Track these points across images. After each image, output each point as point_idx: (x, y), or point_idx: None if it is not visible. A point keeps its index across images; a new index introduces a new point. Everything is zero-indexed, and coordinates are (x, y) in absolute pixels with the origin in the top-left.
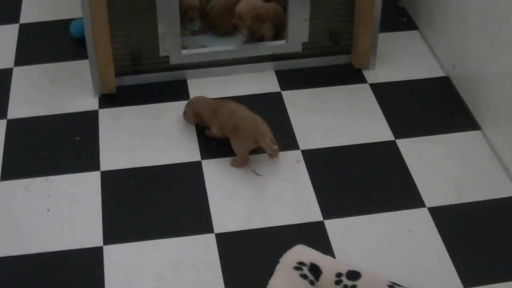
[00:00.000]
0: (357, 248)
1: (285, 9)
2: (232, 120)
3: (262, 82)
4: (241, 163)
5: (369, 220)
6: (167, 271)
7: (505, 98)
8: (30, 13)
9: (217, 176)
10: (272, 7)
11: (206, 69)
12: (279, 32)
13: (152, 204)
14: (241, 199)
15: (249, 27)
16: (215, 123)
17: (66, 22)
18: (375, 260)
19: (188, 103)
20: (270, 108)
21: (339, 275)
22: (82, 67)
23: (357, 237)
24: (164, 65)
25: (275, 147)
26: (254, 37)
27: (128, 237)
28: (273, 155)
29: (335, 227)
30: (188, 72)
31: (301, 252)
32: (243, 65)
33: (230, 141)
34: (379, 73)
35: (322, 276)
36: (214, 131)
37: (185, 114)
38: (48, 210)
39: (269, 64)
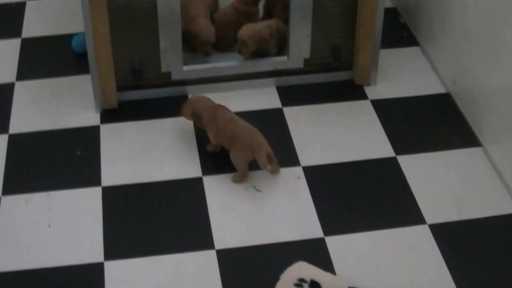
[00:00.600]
0: (357, 265)
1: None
2: (230, 128)
3: (264, 98)
4: (241, 176)
5: (369, 237)
6: (168, 287)
7: (506, 114)
8: (32, 28)
9: (218, 192)
10: (274, 24)
11: (208, 85)
12: (283, 47)
13: (153, 219)
14: (241, 215)
15: (252, 51)
16: (212, 128)
17: (68, 37)
18: (376, 277)
19: (187, 101)
20: (271, 124)
21: None
22: (83, 82)
23: (357, 254)
24: (166, 80)
25: (270, 167)
26: (256, 54)
27: (129, 253)
28: (274, 171)
29: (335, 244)
30: (189, 88)
31: (302, 269)
32: (245, 81)
33: (228, 153)
34: (380, 89)
35: None
36: (210, 136)
37: (183, 111)
38: (49, 225)
39: (271, 80)
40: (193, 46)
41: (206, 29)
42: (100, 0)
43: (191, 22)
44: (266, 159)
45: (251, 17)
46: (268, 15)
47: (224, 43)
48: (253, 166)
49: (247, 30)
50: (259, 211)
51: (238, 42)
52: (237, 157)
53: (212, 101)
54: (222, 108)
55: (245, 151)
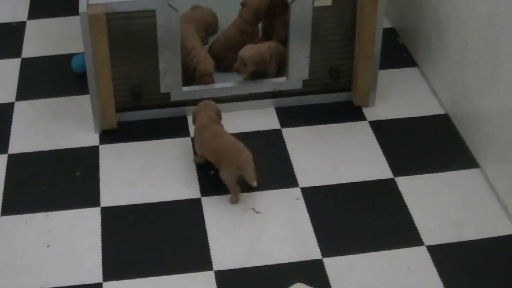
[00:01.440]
0: (355, 286)
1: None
2: (213, 144)
3: (262, 119)
4: (235, 195)
5: (367, 258)
6: None
7: (504, 136)
8: (32, 48)
9: (217, 213)
10: (273, 46)
11: None
12: (281, 69)
13: (152, 240)
14: (240, 236)
15: (250, 72)
16: (199, 140)
17: (68, 57)
18: None
19: (200, 103)
20: (270, 145)
21: None
22: (83, 102)
23: (355, 275)
24: (165, 101)
25: (255, 183)
26: (255, 75)
27: (128, 274)
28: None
29: (334, 265)
30: (188, 109)
31: None
32: (244, 102)
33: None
34: (378, 111)
35: None
36: (196, 146)
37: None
38: (48, 246)
39: (270, 101)
40: (193, 78)
41: (203, 60)
42: (100, 22)
43: (187, 56)
44: (253, 175)
45: (253, 36)
46: (267, 36)
47: (225, 64)
48: (252, 188)
49: (250, 51)
50: (257, 233)
51: (238, 61)
52: (225, 174)
53: (215, 113)
54: (214, 124)
55: (231, 168)
